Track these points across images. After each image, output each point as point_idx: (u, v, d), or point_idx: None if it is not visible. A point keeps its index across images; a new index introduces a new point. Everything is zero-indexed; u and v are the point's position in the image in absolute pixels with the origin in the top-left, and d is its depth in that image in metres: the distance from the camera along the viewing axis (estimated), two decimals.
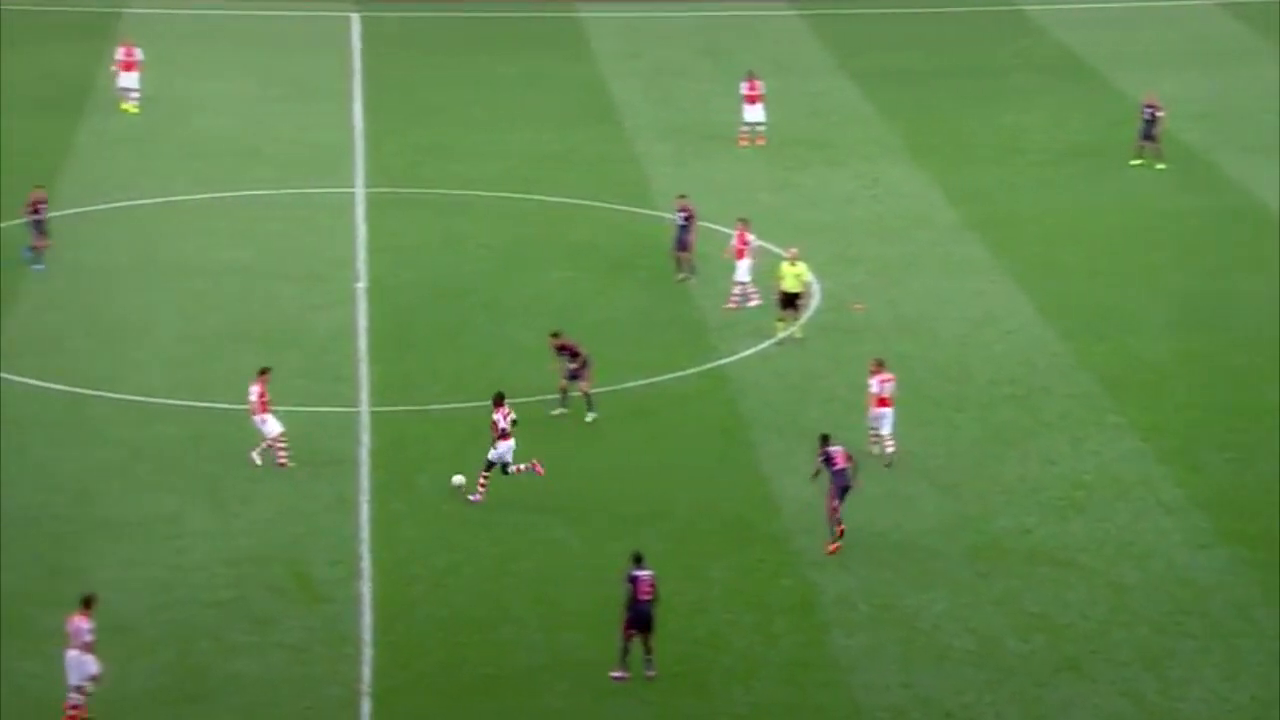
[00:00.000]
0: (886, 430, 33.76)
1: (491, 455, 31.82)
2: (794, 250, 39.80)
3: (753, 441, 34.73)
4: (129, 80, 53.72)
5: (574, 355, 34.92)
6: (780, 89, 55.93)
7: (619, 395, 36.40)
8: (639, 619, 26.75)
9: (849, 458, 30.79)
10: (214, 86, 56.88)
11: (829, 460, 30.70)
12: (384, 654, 27.48)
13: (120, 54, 53.96)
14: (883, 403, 33.86)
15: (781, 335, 39.27)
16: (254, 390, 32.76)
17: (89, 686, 25.25)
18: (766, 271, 40.72)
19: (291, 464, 32.57)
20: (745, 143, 52.43)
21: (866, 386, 34.03)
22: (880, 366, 34.10)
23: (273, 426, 32.69)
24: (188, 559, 29.85)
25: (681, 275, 42.32)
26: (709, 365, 38.18)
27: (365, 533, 30.93)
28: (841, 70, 61.14)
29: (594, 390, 35.38)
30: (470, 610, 28.74)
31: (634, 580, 26.83)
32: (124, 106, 53.51)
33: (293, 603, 28.69)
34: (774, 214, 47.17)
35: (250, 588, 28.98)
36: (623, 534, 30.86)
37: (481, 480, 31.74)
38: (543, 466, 32.00)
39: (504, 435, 31.74)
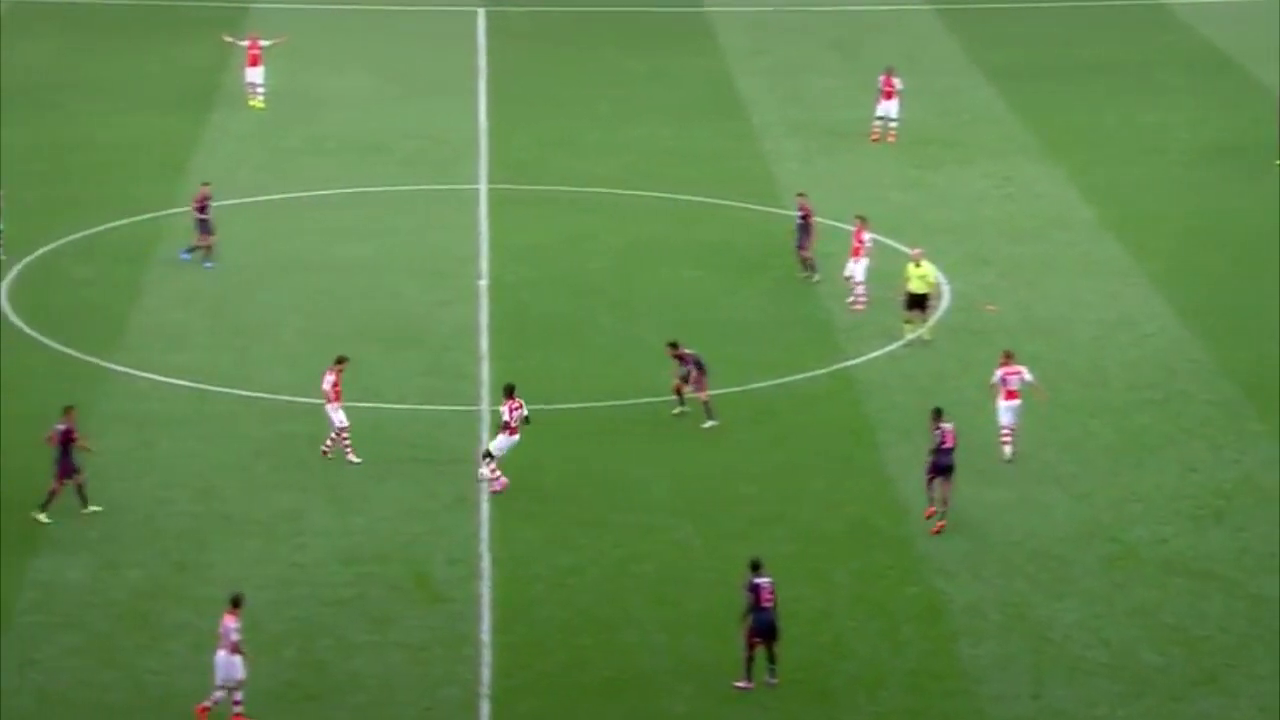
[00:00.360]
0: (1008, 421, 33.57)
1: (491, 446, 31.91)
2: (919, 250, 39.46)
3: (879, 444, 34.49)
4: (255, 75, 54.46)
5: (692, 363, 34.79)
6: (911, 85, 55.41)
7: (744, 396, 36.30)
8: (763, 627, 26.64)
9: (955, 440, 31.05)
10: (339, 82, 57.53)
11: (942, 437, 31.17)
12: (503, 655, 27.60)
13: (246, 46, 54.71)
14: (1010, 395, 33.63)
15: (909, 337, 38.95)
16: (328, 379, 32.93)
17: (234, 690, 25.45)
18: (893, 272, 40.42)
19: (359, 459, 32.64)
20: (877, 138, 52.12)
21: (993, 378, 33.91)
22: (1009, 358, 33.95)
23: (340, 418, 32.87)
24: (308, 556, 30.18)
25: (804, 274, 42.10)
26: (836, 366, 37.96)
27: (485, 532, 31.08)
28: (975, 66, 60.57)
29: (720, 392, 35.27)
30: (591, 612, 28.78)
31: (755, 589, 26.70)
32: (252, 103, 54.27)
33: (412, 602, 28.91)
34: (904, 213, 46.84)
35: (370, 586, 29.23)
36: (746, 536, 30.77)
37: (492, 470, 31.77)
38: (503, 485, 31.83)
39: (507, 428, 31.73)
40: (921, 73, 58.90)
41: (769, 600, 26.68)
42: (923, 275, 38.69)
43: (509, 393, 32.14)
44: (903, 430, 34.77)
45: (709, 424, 34.78)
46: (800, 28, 65.79)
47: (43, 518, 30.63)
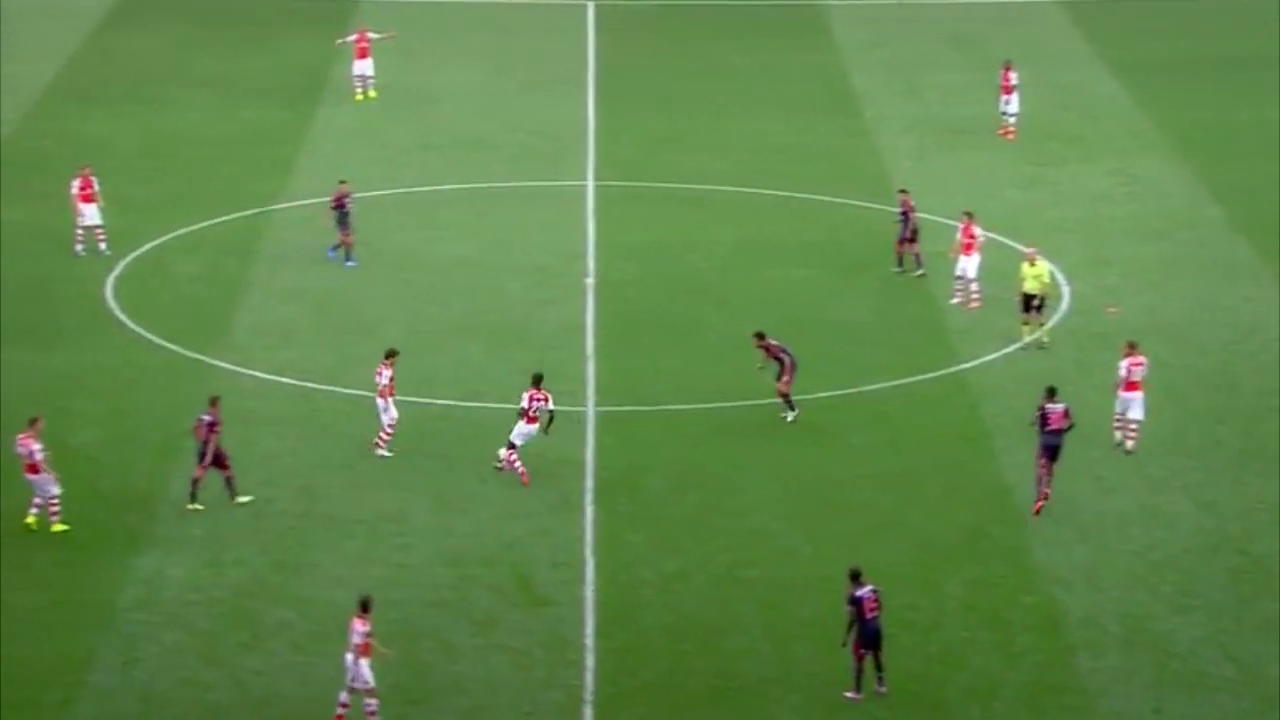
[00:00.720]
0: (1136, 415, 33.47)
1: (514, 435, 32.18)
2: (1034, 250, 39.12)
3: (994, 450, 34.24)
4: (364, 67, 55.03)
5: (777, 358, 34.79)
6: (1032, 79, 55.00)
7: (855, 399, 36.18)
8: (869, 637, 26.53)
9: (1066, 419, 31.20)
10: (447, 76, 57.99)
11: (1044, 418, 31.17)
12: (607, 660, 27.70)
13: (354, 40, 55.32)
14: (1131, 387, 33.47)
15: (1027, 339, 38.62)
16: (385, 374, 33.14)
17: (365, 695, 25.66)
18: (1008, 272, 40.13)
19: (390, 454, 32.95)
20: (1004, 133, 51.83)
21: (1115, 369, 33.77)
22: (1133, 349, 33.91)
23: (391, 413, 33.16)
24: (411, 557, 30.45)
25: (899, 270, 42.02)
26: (949, 369, 37.73)
27: (590, 535, 31.20)
28: (1099, 60, 59.94)
29: (829, 394, 35.19)
30: (697, 618, 28.81)
31: (857, 600, 26.57)
32: (359, 96, 54.87)
33: (515, 605, 29.08)
34: (1022, 211, 46.47)
35: (473, 589, 29.45)
36: (857, 543, 30.68)
37: (513, 460, 32.11)
38: (528, 476, 32.10)
39: (525, 415, 32.03)
40: (1044, 66, 58.40)
41: (873, 611, 26.56)
42: (1037, 275, 38.36)
43: (536, 383, 32.45)
44: (1019, 436, 34.46)
45: (790, 415, 34.68)
46: (918, 21, 65.42)
47: (196, 506, 31.32)
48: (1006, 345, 38.65)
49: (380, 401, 33.42)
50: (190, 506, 31.41)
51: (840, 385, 36.46)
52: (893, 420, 35.52)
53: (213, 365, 37.39)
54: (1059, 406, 31.43)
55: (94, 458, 33.46)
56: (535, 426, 32.38)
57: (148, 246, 43.81)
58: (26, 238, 43.89)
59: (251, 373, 36.95)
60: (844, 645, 26.67)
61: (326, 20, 63.23)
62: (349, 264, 42.34)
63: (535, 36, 63.22)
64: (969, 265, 40.42)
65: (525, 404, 32.28)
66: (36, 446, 30.53)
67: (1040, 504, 31.43)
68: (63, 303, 40.61)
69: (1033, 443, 33.39)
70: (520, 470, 32.33)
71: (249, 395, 36.13)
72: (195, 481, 31.41)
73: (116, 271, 42.24)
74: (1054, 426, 31.20)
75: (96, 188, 42.78)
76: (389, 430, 33.39)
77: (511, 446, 32.41)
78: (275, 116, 53.59)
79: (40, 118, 53.24)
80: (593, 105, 55.41)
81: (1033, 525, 31.49)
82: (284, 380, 36.09)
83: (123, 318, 39.86)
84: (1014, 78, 51.71)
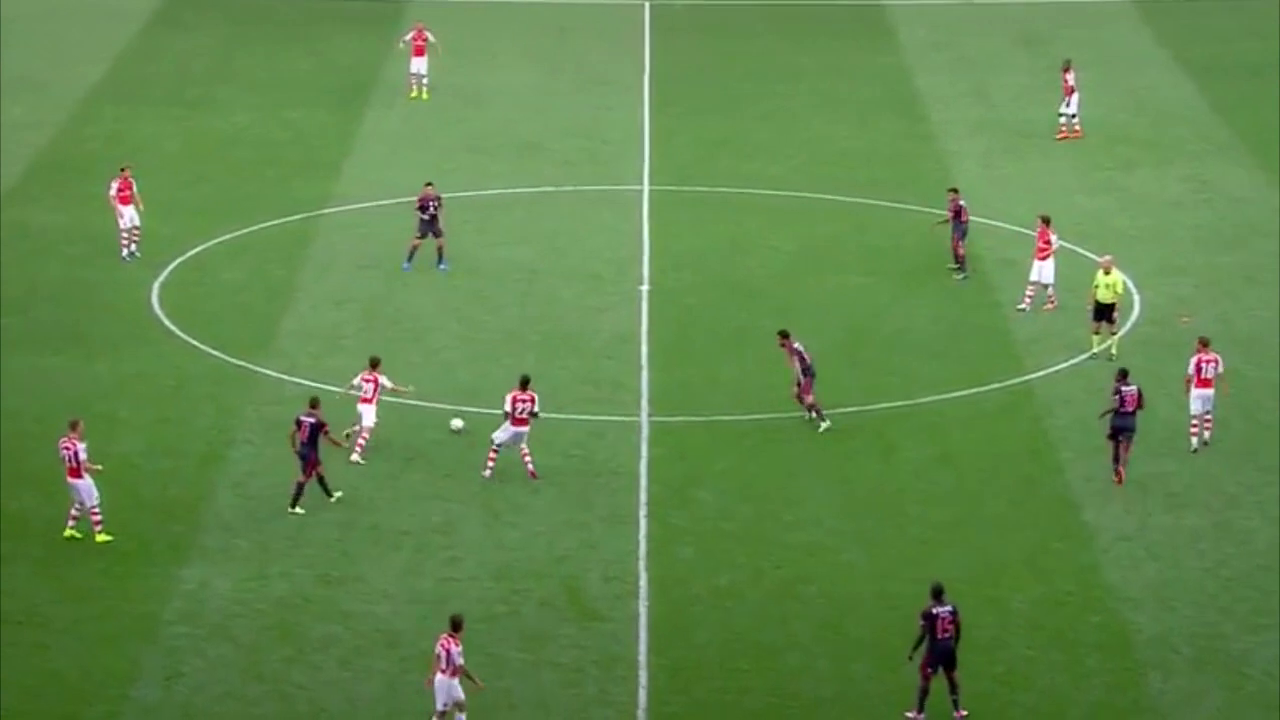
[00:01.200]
0: (1199, 410, 34.05)
1: (496, 435, 32.74)
2: (1108, 258, 39.06)
3: (1061, 464, 34.20)
4: (419, 65, 55.37)
5: (798, 360, 35.05)
6: (1103, 82, 54.98)
7: (916, 410, 36.20)
8: (938, 657, 26.52)
9: (1138, 402, 32.86)
10: (500, 77, 58.28)
11: (1121, 401, 32.78)
12: (660, 677, 27.83)
13: (411, 38, 55.64)
14: (1204, 384, 33.95)
15: (1096, 349, 38.56)
16: (378, 380, 33.87)
17: (458, 711, 25.87)
18: (1080, 280, 40.06)
19: (362, 461, 33.51)
20: (1063, 136, 51.74)
21: (1186, 367, 34.20)
22: (1205, 345, 34.38)
23: (369, 418, 33.83)
24: (459, 570, 30.65)
25: (954, 266, 42.24)
26: (1015, 380, 37.70)
27: (643, 549, 31.33)
28: (1174, 62, 59.73)
29: (889, 405, 35.27)
30: (751, 635, 28.90)
31: (931, 618, 26.50)
32: (413, 95, 55.25)
33: (565, 620, 29.24)
34: (1092, 218, 46.38)
35: (523, 603, 29.62)
36: (917, 559, 30.71)
37: (490, 457, 32.80)
38: (491, 473, 32.87)
39: (511, 418, 32.69)
40: (1115, 68, 58.26)
41: (946, 632, 26.48)
42: (1110, 284, 38.31)
43: (523, 385, 33.03)
44: (1086, 450, 34.44)
45: (824, 426, 34.90)
46: (986, 21, 65.35)
47: (298, 510, 31.94)
48: (1074, 355, 38.58)
49: (362, 406, 33.94)
50: (294, 511, 32.03)
51: (901, 396, 36.48)
52: (954, 433, 35.51)
53: (258, 373, 37.74)
54: (1133, 388, 32.95)
55: (137, 466, 33.84)
56: (525, 429, 32.82)
57: (193, 252, 44.23)
58: (71, 242, 44.41)
59: (297, 380, 37.26)
60: (909, 659, 26.69)
61: (374, 20, 63.70)
62: (441, 267, 42.70)
63: (590, 37, 63.44)
64: (1044, 270, 40.49)
65: (509, 407, 32.77)
66: (81, 446, 30.82)
67: (1120, 478, 32.95)
68: (107, 308, 41.07)
69: (1101, 459, 33.42)
70: (489, 468, 32.78)
71: (294, 404, 36.38)
72: (299, 486, 32.03)
73: (161, 277, 42.68)
74: (1128, 409, 32.79)
75: (135, 189, 43.25)
76: (362, 434, 33.88)
77: (494, 447, 32.73)
78: (322, 119, 53.98)
79: (85, 120, 53.86)
80: (648, 107, 55.58)
81: (1101, 541, 31.46)
82: (330, 388, 36.35)
83: (168, 324, 40.27)
84: (1072, 79, 51.64)
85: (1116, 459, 33.14)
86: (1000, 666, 27.94)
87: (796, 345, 35.22)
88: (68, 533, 31.07)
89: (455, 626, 26.13)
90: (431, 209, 42.65)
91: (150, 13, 64.61)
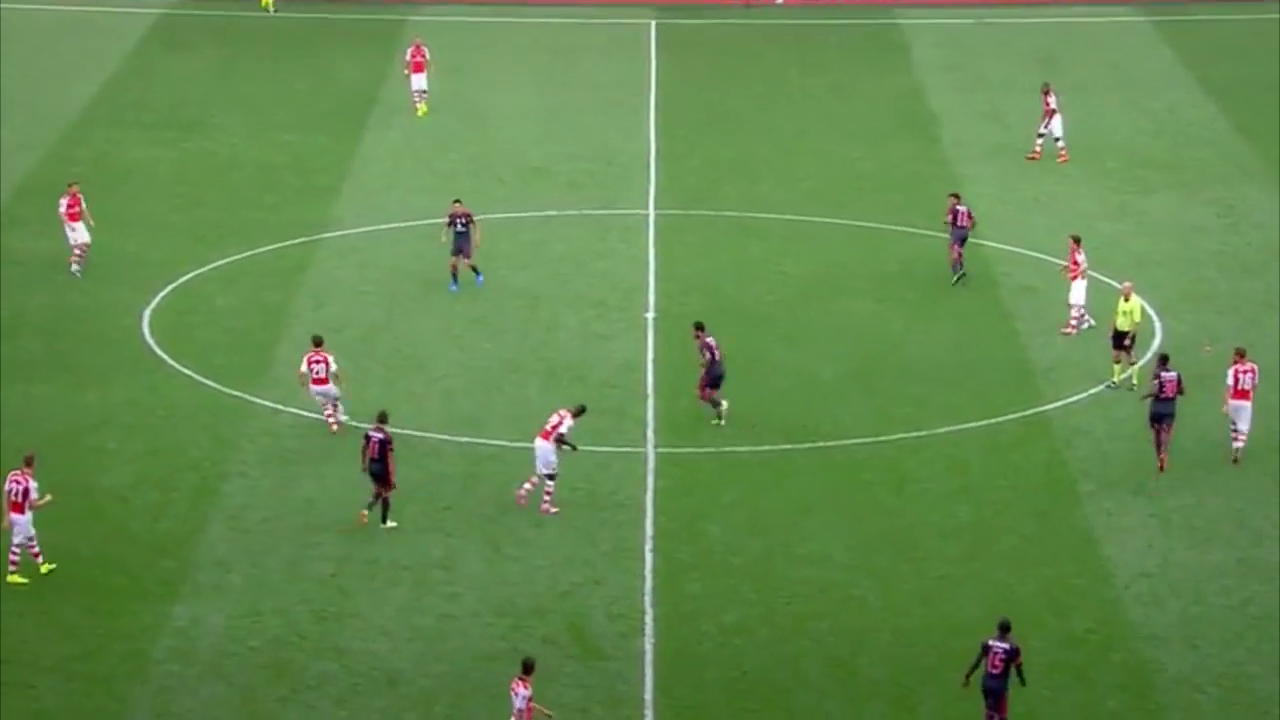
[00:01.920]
0: (1244, 426, 34.46)
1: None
2: (1128, 284, 38.99)
3: (1080, 496, 34.08)
4: (419, 82, 55.58)
5: (707, 355, 35.83)
6: (1123, 104, 54.94)
7: (930, 441, 36.09)
8: (986, 692, 26.52)
9: (1178, 388, 33.98)
10: (502, 98, 58.30)
11: (1160, 387, 34.03)
12: (667, 717, 27.69)
13: (410, 55, 55.83)
14: (1241, 395, 34.39)
15: (1117, 379, 38.46)
16: (327, 360, 35.44)
17: None
18: (1100, 306, 39.97)
19: (336, 430, 34.72)
20: (1033, 158, 51.97)
21: (1224, 377, 34.59)
22: (1241, 356, 34.92)
23: (331, 390, 35.77)
24: (460, 607, 30.54)
25: (957, 274, 42.98)
26: (1032, 410, 37.59)
27: (649, 584, 31.22)
28: (1194, 83, 59.71)
29: (902, 436, 35.05)
30: (760, 673, 28.78)
31: (985, 649, 26.62)
32: (420, 111, 55.43)
33: (569, 658, 29.12)
34: (1111, 243, 46.30)
35: (525, 640, 29.49)
36: (932, 595, 30.58)
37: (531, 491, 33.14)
38: (524, 499, 33.00)
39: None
40: (1135, 89, 58.25)
41: (995, 668, 26.48)
42: (1128, 311, 38.25)
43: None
44: (1107, 482, 34.32)
45: (717, 421, 35.89)
46: (1001, 41, 65.38)
47: (390, 524, 32.50)
48: (1094, 385, 38.47)
49: (318, 390, 35.45)
50: (386, 525, 32.42)
51: (915, 427, 36.37)
52: (969, 465, 35.39)
53: (253, 402, 37.67)
54: (1172, 374, 34.16)
55: (127, 499, 33.75)
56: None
57: (186, 278, 44.20)
58: (59, 268, 44.33)
59: (292, 410, 37.18)
60: (964, 685, 26.70)
61: (372, 39, 63.74)
62: (479, 280, 43.30)
63: (595, 57, 63.50)
64: (1074, 291, 40.55)
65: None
66: (34, 485, 30.71)
67: (1162, 464, 34.13)
68: (96, 336, 41.01)
69: (1121, 492, 33.30)
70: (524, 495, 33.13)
71: (289, 435, 36.36)
72: (385, 502, 32.53)
73: (153, 304, 42.64)
74: (1168, 394, 34.04)
75: (83, 206, 43.43)
76: (327, 409, 35.44)
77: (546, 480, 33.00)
78: (320, 141, 54.00)
79: (75, 142, 53.88)
80: (654, 129, 55.60)
81: (1122, 578, 31.31)
82: (327, 418, 36.22)
83: (159, 352, 40.21)
84: (1053, 101, 51.83)
85: (1158, 446, 34.15)
86: (1020, 707, 27.76)
87: (709, 340, 36.16)
88: (43, 568, 30.87)
89: (526, 669, 26.19)
90: (459, 225, 42.90)
91: (144, 31, 64.72)
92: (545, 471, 33.00)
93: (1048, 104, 51.96)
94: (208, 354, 39.92)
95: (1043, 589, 31.09)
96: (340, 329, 41.47)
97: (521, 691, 25.95)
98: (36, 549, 30.88)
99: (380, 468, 32.44)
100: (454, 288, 43.10)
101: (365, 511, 32.53)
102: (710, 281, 44.35)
